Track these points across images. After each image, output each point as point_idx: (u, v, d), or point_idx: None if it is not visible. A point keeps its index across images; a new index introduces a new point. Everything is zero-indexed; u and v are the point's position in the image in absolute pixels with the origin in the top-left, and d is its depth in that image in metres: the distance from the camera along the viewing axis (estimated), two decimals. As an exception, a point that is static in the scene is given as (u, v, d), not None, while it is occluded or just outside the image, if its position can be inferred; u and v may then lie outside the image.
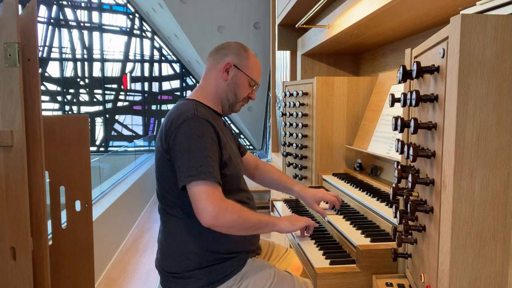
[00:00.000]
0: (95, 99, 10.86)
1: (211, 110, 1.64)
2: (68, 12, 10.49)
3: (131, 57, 10.82)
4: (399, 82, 1.08)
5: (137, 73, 10.90)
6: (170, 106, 11.10)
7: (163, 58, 10.92)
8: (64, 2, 10.45)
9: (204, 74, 1.71)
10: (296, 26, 2.68)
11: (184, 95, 10.98)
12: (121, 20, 10.70)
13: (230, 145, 1.65)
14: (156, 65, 10.93)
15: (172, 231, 1.58)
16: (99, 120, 10.96)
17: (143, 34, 10.75)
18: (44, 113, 1.70)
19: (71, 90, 10.69)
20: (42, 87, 10.15)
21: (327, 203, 1.87)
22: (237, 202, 1.56)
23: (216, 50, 1.70)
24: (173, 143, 1.47)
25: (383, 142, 1.99)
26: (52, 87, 10.59)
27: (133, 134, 11.14)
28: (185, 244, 1.55)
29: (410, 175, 0.96)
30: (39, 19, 9.98)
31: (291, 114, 2.63)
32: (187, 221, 1.54)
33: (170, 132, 1.49)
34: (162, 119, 1.90)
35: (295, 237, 1.71)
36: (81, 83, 10.75)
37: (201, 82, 1.71)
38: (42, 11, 10.26)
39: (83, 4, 10.59)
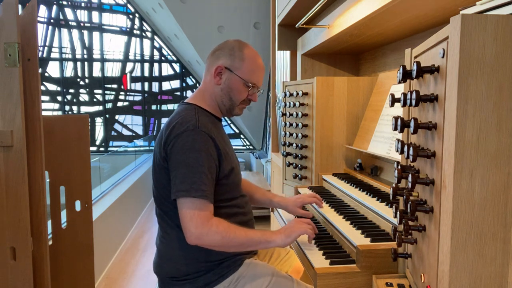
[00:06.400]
0: (95, 99, 10.86)
1: (211, 115, 1.61)
2: (68, 12, 10.49)
3: (131, 57, 10.81)
4: (399, 82, 1.08)
5: (137, 73, 10.90)
6: (170, 106, 11.10)
7: (163, 58, 10.91)
8: (64, 2, 10.44)
9: (203, 76, 1.67)
10: (296, 26, 2.68)
11: (184, 95, 10.97)
12: (121, 20, 10.69)
13: (231, 153, 1.61)
14: (156, 65, 10.93)
15: (170, 237, 1.56)
16: (99, 120, 10.95)
17: (143, 34, 10.75)
18: (44, 113, 1.70)
19: (71, 90, 10.69)
20: (42, 87, 10.15)
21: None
22: (235, 208, 1.57)
23: (213, 51, 1.65)
24: (170, 152, 1.45)
25: (383, 142, 1.99)
26: (52, 87, 10.59)
27: (133, 134, 11.13)
28: (183, 250, 1.53)
29: (410, 175, 0.96)
30: (39, 19, 9.98)
31: (291, 114, 2.63)
32: None
33: (170, 140, 1.46)
34: (163, 120, 1.84)
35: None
36: (81, 83, 10.74)
37: (201, 85, 1.68)
38: (42, 11, 10.26)
39: (83, 4, 10.58)
